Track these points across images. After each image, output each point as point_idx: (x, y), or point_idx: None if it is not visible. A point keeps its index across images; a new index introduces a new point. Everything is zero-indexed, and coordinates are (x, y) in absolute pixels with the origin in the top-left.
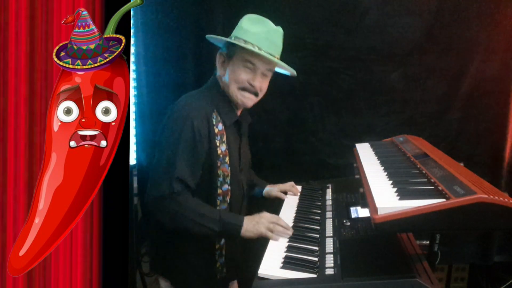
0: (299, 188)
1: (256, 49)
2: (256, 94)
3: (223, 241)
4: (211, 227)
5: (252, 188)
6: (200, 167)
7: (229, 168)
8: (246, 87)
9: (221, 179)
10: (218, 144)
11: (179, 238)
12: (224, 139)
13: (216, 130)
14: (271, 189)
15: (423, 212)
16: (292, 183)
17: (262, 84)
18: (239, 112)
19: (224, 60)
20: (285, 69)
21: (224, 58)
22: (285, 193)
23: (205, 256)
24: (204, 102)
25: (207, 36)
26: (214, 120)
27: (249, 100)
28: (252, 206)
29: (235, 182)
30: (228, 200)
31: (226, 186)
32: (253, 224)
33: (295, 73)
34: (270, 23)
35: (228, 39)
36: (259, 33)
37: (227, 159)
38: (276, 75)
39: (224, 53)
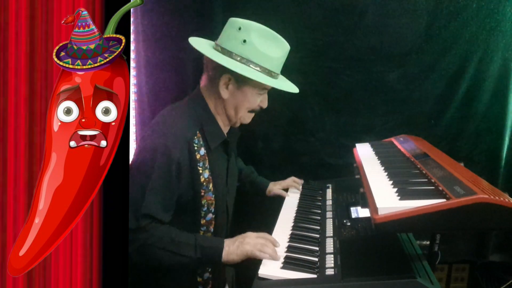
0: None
1: (275, 80)
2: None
3: (206, 275)
4: (187, 254)
5: (253, 186)
6: (174, 200)
7: (213, 195)
8: (256, 109)
9: (205, 208)
10: (201, 171)
11: (155, 271)
12: (207, 164)
13: (198, 156)
14: (273, 187)
15: (423, 212)
16: (293, 177)
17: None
18: (226, 130)
19: (229, 83)
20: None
21: (231, 80)
22: (286, 190)
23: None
24: (185, 124)
25: (214, 58)
26: (195, 145)
27: (251, 118)
28: (253, 208)
29: (219, 209)
30: (212, 230)
31: (210, 215)
32: (236, 245)
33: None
34: (283, 43)
35: (254, 73)
36: (278, 58)
37: (210, 186)
38: None
39: (231, 76)
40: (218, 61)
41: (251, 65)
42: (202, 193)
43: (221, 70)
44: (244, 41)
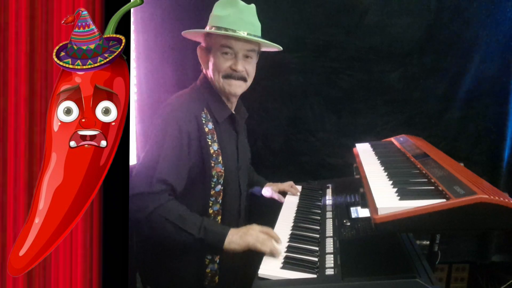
0: (299, 188)
1: (228, 32)
2: (243, 79)
3: (213, 266)
4: (191, 232)
5: (251, 186)
6: (186, 169)
7: (223, 167)
8: (229, 73)
9: (215, 179)
10: (210, 143)
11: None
12: (216, 138)
13: (206, 129)
14: (269, 188)
15: (423, 212)
16: (291, 182)
17: (247, 67)
18: (233, 107)
19: (205, 54)
20: (269, 47)
21: (204, 51)
22: (285, 193)
23: (192, 260)
24: (192, 101)
25: (183, 33)
26: (203, 119)
27: (237, 87)
28: (252, 207)
29: (229, 182)
30: (220, 201)
31: (219, 187)
32: (239, 235)
33: (280, 48)
34: (240, 3)
35: (197, 30)
36: (230, 15)
37: (220, 158)
38: (276, 77)
39: (202, 46)
40: (187, 35)
41: (205, 28)
42: (212, 164)
43: (198, 45)
44: (211, 14)
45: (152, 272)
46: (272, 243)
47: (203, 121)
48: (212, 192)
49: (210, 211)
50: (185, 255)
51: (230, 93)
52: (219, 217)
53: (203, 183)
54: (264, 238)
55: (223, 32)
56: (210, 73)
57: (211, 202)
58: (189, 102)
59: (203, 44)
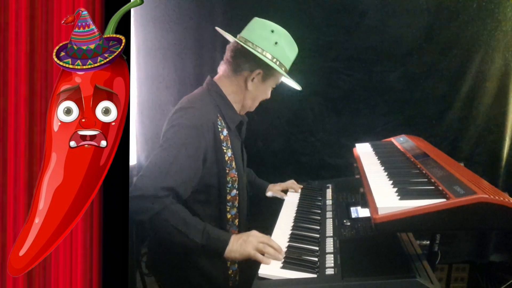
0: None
1: (297, 86)
2: None
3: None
4: (194, 238)
5: (253, 187)
6: (197, 178)
7: (236, 172)
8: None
9: (229, 185)
10: (225, 150)
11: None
12: (229, 144)
13: (222, 137)
14: (272, 188)
15: (423, 212)
16: (292, 180)
17: None
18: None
19: (256, 77)
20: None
21: (259, 75)
22: (286, 191)
23: (216, 263)
24: (207, 108)
25: (257, 53)
26: (219, 126)
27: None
28: (253, 208)
29: (241, 185)
30: (237, 205)
31: (234, 191)
32: (239, 243)
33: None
34: (296, 46)
35: (277, 68)
36: (292, 60)
37: (233, 164)
38: None
39: (261, 71)
40: (263, 58)
41: (279, 65)
42: (227, 171)
43: (255, 65)
44: (276, 43)
45: (174, 278)
46: (273, 254)
47: (219, 129)
48: (228, 197)
49: (228, 216)
50: (209, 261)
51: (250, 109)
52: (236, 221)
53: (219, 189)
54: (262, 248)
55: (292, 83)
56: (249, 93)
57: (228, 207)
58: (205, 109)
59: (262, 70)
